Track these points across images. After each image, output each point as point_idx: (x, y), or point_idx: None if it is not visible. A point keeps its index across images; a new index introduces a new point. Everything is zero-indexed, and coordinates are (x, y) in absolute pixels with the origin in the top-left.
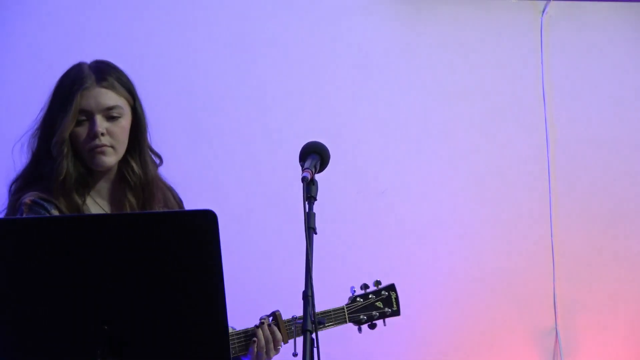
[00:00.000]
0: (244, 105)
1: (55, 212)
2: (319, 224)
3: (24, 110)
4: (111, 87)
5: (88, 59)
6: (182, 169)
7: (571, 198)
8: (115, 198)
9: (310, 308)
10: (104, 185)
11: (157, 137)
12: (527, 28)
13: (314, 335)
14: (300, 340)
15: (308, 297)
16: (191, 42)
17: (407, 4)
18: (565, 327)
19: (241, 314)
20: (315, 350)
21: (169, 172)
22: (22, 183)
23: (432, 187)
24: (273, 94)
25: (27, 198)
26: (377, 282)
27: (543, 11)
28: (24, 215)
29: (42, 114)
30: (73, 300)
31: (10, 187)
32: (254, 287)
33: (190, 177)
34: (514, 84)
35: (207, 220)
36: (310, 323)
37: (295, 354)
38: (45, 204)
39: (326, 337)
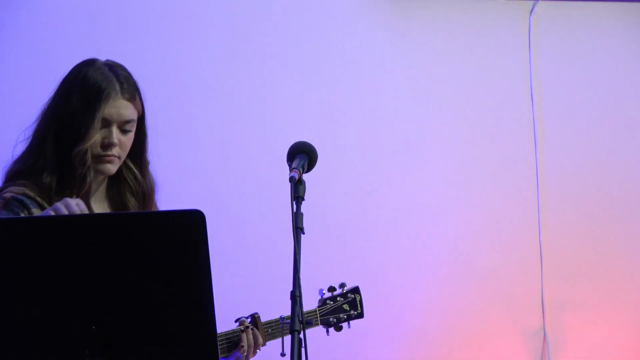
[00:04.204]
0: (232, 105)
1: (36, 211)
2: (307, 223)
3: (24, 111)
4: (132, 100)
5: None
6: (171, 168)
7: (559, 198)
8: (114, 200)
9: (298, 308)
10: (100, 187)
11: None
12: (515, 28)
13: (301, 335)
14: (286, 339)
15: (296, 297)
16: (183, 42)
17: (395, 5)
18: (553, 327)
19: (228, 314)
20: (303, 350)
21: (158, 172)
22: (14, 173)
23: (420, 187)
24: (262, 95)
25: (8, 193)
26: (343, 285)
27: (531, 11)
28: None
29: (50, 103)
30: (61, 301)
31: (7, 173)
32: (242, 288)
33: (179, 176)
34: (503, 83)
35: (195, 221)
36: (298, 323)
37: (283, 354)
38: (27, 201)
39: (310, 337)
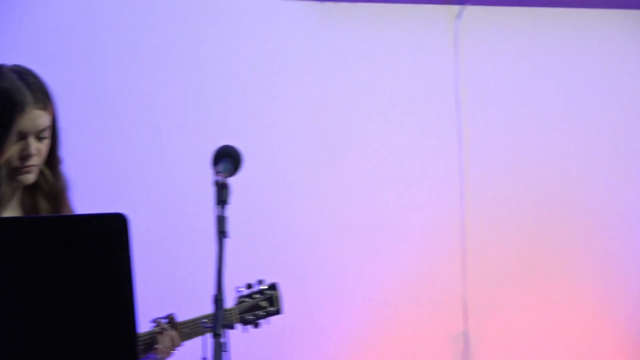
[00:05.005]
0: (156, 107)
1: None
2: (233, 225)
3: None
4: (46, 108)
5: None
6: (94, 172)
7: (483, 201)
8: (26, 205)
9: (220, 312)
10: (15, 195)
11: (68, 140)
12: (442, 33)
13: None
14: (196, 340)
15: (218, 300)
16: (105, 42)
17: (321, 10)
18: (476, 330)
19: (150, 315)
20: (224, 354)
21: (82, 175)
22: None
23: (345, 188)
24: (188, 97)
25: None
26: (261, 281)
27: (458, 16)
28: None
29: None
30: None
31: None
32: (165, 290)
33: (103, 180)
34: (429, 87)
35: (118, 224)
36: (220, 327)
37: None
38: None
39: (232, 336)
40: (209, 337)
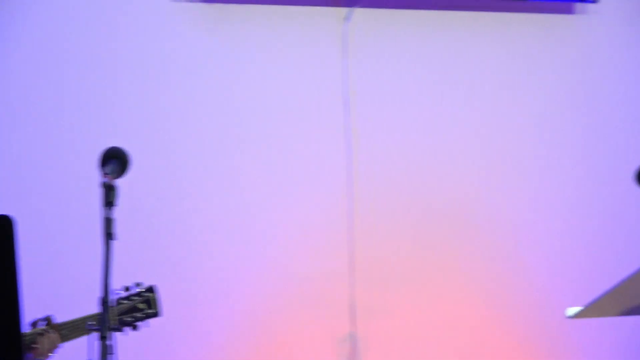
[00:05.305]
0: (43, 108)
1: None
2: (121, 226)
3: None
4: None
5: None
6: None
7: (372, 203)
8: None
9: (107, 314)
10: None
11: None
12: (330, 35)
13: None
14: (82, 342)
15: (105, 303)
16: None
17: (210, 11)
18: (364, 332)
19: (35, 316)
20: (110, 356)
21: None
22: None
23: (229, 190)
24: (70, 97)
25: None
26: (138, 284)
27: (346, 18)
28: None
29: None
30: None
31: None
32: (51, 292)
33: None
34: (318, 88)
35: (3, 225)
36: (106, 329)
37: None
38: None
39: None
40: (93, 339)
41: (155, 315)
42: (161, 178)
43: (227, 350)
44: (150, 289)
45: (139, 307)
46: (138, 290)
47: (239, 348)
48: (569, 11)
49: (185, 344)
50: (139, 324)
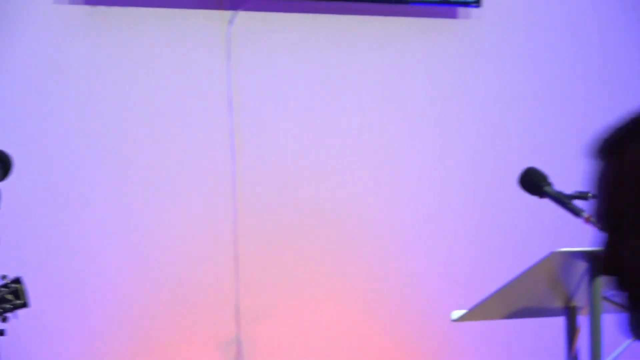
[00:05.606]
0: None
1: None
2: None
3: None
4: None
5: None
6: None
7: (256, 206)
8: None
9: None
10: None
11: None
12: (213, 38)
13: None
14: None
15: None
16: None
17: (93, 13)
18: (248, 336)
19: None
20: None
21: None
22: None
23: (115, 192)
24: None
25: None
26: (4, 276)
27: (230, 22)
28: None
29: None
30: None
31: None
32: None
33: None
34: (202, 91)
35: None
36: None
37: None
38: None
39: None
40: None
41: (24, 305)
42: (37, 177)
43: (107, 355)
44: (17, 280)
45: (6, 297)
46: (4, 282)
47: (120, 351)
48: (452, 15)
49: (57, 344)
50: (7, 315)
